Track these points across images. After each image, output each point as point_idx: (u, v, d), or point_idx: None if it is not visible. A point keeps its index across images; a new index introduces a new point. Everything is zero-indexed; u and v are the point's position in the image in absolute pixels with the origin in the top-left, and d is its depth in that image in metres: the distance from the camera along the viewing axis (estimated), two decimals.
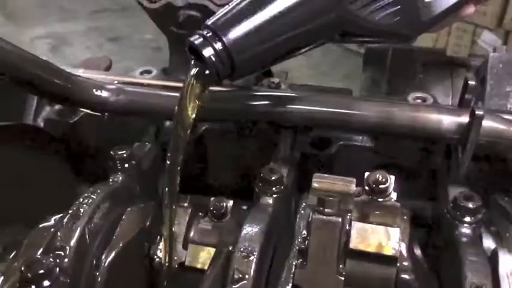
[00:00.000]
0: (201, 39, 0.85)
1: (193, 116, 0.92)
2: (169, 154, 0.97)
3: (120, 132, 1.38)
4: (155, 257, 1.19)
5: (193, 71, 0.89)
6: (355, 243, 0.91)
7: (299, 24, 0.85)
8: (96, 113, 1.24)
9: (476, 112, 0.98)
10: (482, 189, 1.12)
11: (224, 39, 0.83)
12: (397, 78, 1.40)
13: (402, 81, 1.38)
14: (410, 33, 0.96)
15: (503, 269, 0.90)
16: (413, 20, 0.92)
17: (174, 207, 1.04)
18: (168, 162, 0.98)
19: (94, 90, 1.20)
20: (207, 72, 0.87)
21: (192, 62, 0.88)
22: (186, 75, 0.89)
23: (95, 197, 1.09)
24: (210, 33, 0.84)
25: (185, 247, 1.20)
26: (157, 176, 1.37)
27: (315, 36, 0.89)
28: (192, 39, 0.86)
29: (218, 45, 0.83)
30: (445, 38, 5.23)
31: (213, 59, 0.84)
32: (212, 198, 1.25)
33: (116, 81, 1.29)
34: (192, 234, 1.23)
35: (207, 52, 0.84)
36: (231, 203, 1.26)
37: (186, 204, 1.24)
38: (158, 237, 1.22)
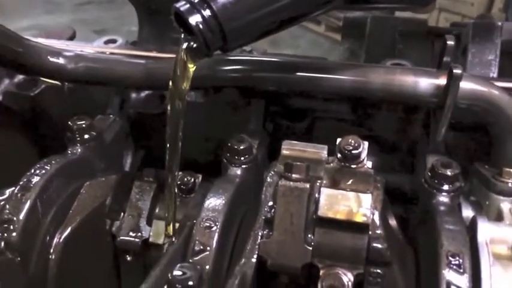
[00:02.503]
0: (188, 6, 0.77)
1: (188, 87, 0.89)
2: (168, 126, 0.92)
3: (83, 105, 1.31)
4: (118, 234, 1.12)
5: (185, 45, 0.83)
6: (323, 210, 0.84)
7: None
8: (54, 82, 1.16)
9: (454, 71, 0.92)
10: (463, 160, 1.06)
11: (213, 4, 0.76)
12: (375, 48, 1.33)
13: (380, 51, 1.32)
14: None
15: (481, 237, 0.84)
16: None
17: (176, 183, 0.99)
18: (168, 135, 0.93)
19: (49, 56, 1.12)
20: (195, 45, 0.81)
21: (183, 36, 0.82)
22: (178, 49, 0.85)
23: (48, 167, 1.01)
24: None
25: (150, 223, 1.13)
26: (122, 150, 1.30)
27: (315, 2, 0.82)
28: (177, 5, 0.78)
29: (206, 12, 0.76)
30: None
31: (201, 27, 0.76)
32: (180, 173, 1.18)
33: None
34: (157, 210, 1.16)
35: (194, 19, 0.76)
36: (200, 177, 1.19)
37: (151, 179, 1.17)
38: (122, 213, 1.15)
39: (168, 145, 0.93)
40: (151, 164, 1.27)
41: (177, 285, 0.78)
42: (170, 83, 0.88)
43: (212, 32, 0.77)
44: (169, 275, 0.79)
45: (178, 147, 0.93)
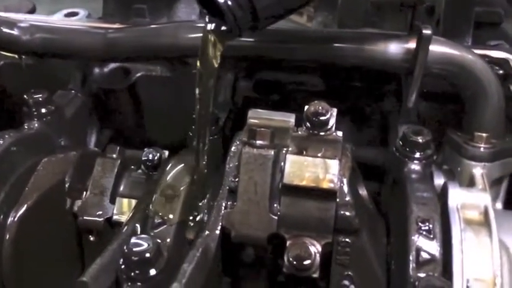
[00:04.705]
0: None
1: (217, 65, 0.83)
2: (198, 110, 0.87)
3: (44, 81, 1.24)
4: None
5: (209, 26, 0.77)
6: (289, 177, 0.80)
7: None
8: (9, 55, 1.10)
9: (424, 32, 0.88)
10: (436, 133, 1.03)
11: None
12: (347, 20, 1.30)
13: (353, 23, 1.28)
14: None
15: (452, 202, 0.81)
16: None
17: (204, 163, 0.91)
18: (198, 118, 0.88)
19: (3, 27, 1.06)
20: (223, 28, 0.76)
21: (207, 18, 0.77)
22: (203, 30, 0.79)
23: (1, 142, 0.96)
24: None
25: (113, 201, 1.07)
26: (85, 128, 1.24)
27: None
28: None
29: None
30: None
31: (230, 3, 0.71)
32: (145, 149, 1.13)
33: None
34: (122, 188, 1.10)
35: None
36: (166, 153, 1.14)
37: (114, 156, 1.11)
38: (85, 192, 1.09)
39: (197, 129, 0.88)
40: (119, 142, 1.22)
41: (132, 257, 0.74)
42: (198, 65, 0.83)
43: (242, 9, 0.72)
44: (124, 248, 0.75)
45: (207, 131, 0.89)
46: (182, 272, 0.74)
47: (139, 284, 0.74)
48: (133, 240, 0.75)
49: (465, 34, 1.20)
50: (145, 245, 0.75)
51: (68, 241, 1.07)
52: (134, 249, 0.74)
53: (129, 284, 0.74)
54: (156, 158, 1.11)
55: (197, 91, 0.85)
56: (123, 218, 1.05)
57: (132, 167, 1.14)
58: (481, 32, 1.23)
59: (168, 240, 0.82)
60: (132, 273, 0.74)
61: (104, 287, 0.76)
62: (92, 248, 1.08)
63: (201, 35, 1.02)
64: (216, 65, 0.83)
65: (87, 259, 1.10)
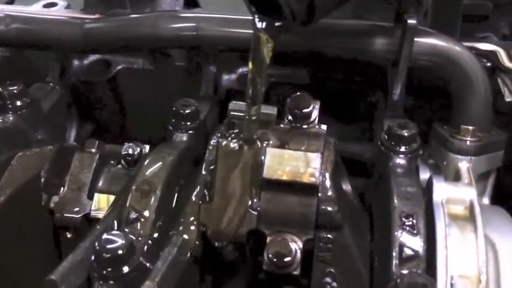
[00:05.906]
0: None
1: (268, 63, 0.81)
2: (248, 109, 0.82)
3: (23, 74, 1.21)
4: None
5: (259, 24, 0.75)
6: (268, 171, 0.77)
7: None
8: None
9: (409, 22, 0.85)
10: (424, 128, 1.01)
11: None
12: (335, 12, 1.26)
13: (339, 15, 1.25)
14: None
15: (437, 197, 0.79)
16: None
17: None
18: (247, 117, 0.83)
19: None
20: (276, 24, 0.74)
21: (257, 17, 0.75)
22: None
23: None
24: None
25: (91, 197, 1.04)
26: (64, 122, 1.21)
27: None
28: None
29: None
30: None
31: None
32: (125, 143, 1.10)
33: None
34: (100, 183, 1.07)
35: None
36: (147, 148, 1.11)
37: (93, 150, 1.08)
38: (62, 188, 1.06)
39: (245, 130, 0.83)
40: (100, 137, 1.19)
41: (104, 254, 0.71)
42: (250, 65, 0.80)
43: (300, 2, 0.70)
44: (96, 244, 0.71)
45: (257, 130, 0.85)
46: (156, 270, 0.71)
47: (111, 282, 0.71)
48: (105, 236, 0.72)
49: (453, 26, 1.18)
50: (118, 242, 0.72)
51: (44, 238, 1.04)
52: (107, 246, 0.71)
53: (101, 282, 0.71)
54: (136, 152, 1.08)
55: (249, 91, 0.81)
56: (101, 214, 1.02)
57: (112, 161, 1.11)
58: (469, 25, 1.21)
59: (143, 236, 0.79)
60: (104, 271, 0.71)
61: (75, 285, 0.73)
62: (69, 245, 1.05)
63: (186, 25, 1.00)
64: (267, 63, 0.80)
65: (64, 257, 1.07)
